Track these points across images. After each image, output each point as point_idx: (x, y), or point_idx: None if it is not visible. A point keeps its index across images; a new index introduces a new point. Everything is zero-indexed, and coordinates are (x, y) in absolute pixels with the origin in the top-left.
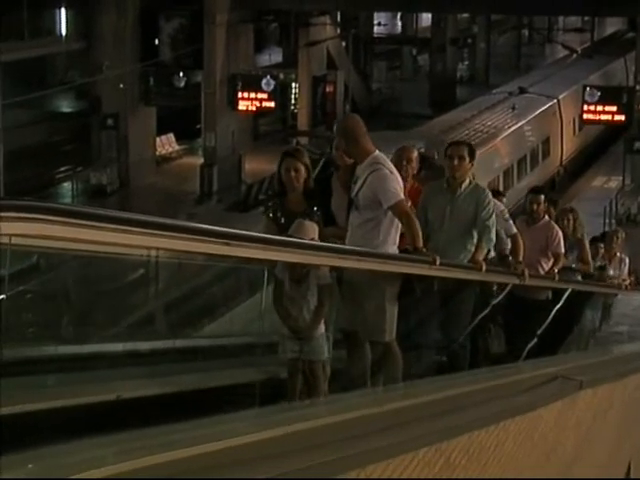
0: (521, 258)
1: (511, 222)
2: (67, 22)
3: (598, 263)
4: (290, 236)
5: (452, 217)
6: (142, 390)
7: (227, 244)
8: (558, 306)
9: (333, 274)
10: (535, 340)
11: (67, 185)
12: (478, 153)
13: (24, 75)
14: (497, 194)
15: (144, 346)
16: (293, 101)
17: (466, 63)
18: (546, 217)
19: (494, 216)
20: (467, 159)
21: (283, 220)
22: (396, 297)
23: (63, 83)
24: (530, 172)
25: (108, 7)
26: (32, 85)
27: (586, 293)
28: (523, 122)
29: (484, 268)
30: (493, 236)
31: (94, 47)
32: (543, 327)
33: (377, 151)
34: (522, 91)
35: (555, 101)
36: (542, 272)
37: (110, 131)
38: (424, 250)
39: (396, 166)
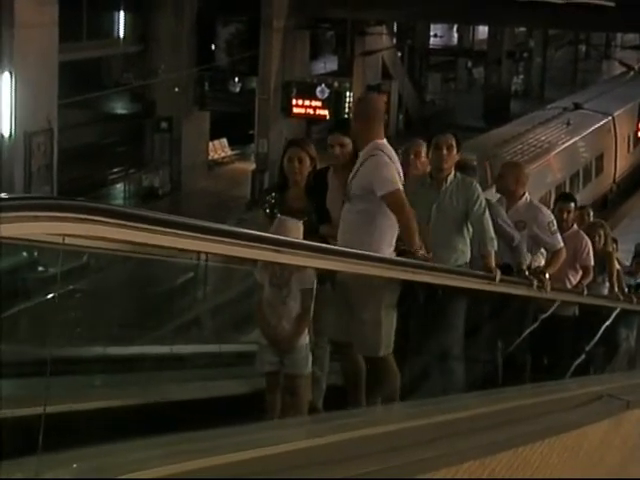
0: (551, 270)
1: (558, 236)
2: (125, 25)
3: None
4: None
5: (439, 214)
6: (189, 393)
7: (277, 251)
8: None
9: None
10: (562, 358)
11: (119, 186)
12: (531, 168)
13: (80, 76)
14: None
15: (189, 349)
16: (347, 109)
17: (521, 77)
18: (574, 226)
19: (487, 212)
20: (455, 149)
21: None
22: (394, 306)
23: (119, 85)
24: (583, 188)
25: (166, 11)
26: (88, 86)
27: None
28: (577, 138)
29: (498, 277)
30: (492, 232)
31: (150, 50)
32: (568, 344)
33: (384, 140)
34: (577, 107)
35: (610, 118)
36: (570, 286)
37: (164, 134)
38: (421, 252)
39: (405, 161)
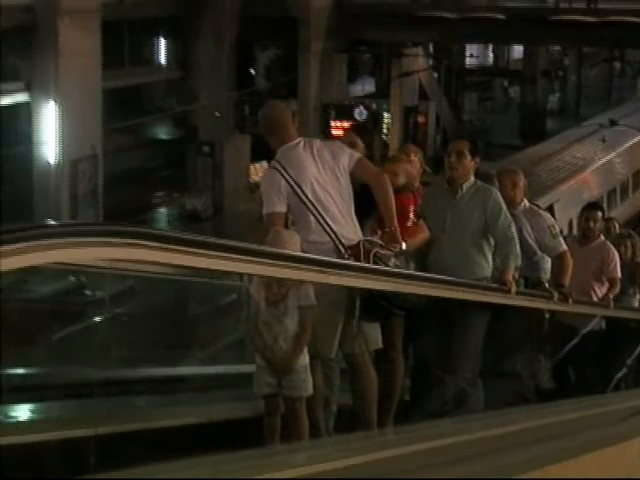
0: (566, 281)
1: (561, 240)
2: (166, 51)
3: None
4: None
5: (454, 224)
6: (232, 413)
7: (322, 272)
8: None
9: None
10: (590, 372)
11: (163, 210)
12: (568, 185)
13: (123, 102)
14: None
15: (233, 370)
16: (385, 130)
17: (557, 95)
18: (601, 237)
19: (513, 224)
20: (468, 156)
21: None
22: (345, 310)
23: (161, 110)
24: (620, 204)
25: (205, 37)
26: (131, 112)
27: None
28: (613, 154)
29: (514, 289)
30: (518, 249)
31: (191, 76)
32: (593, 358)
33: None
34: (613, 123)
35: None
36: (595, 299)
37: (206, 158)
38: (397, 234)
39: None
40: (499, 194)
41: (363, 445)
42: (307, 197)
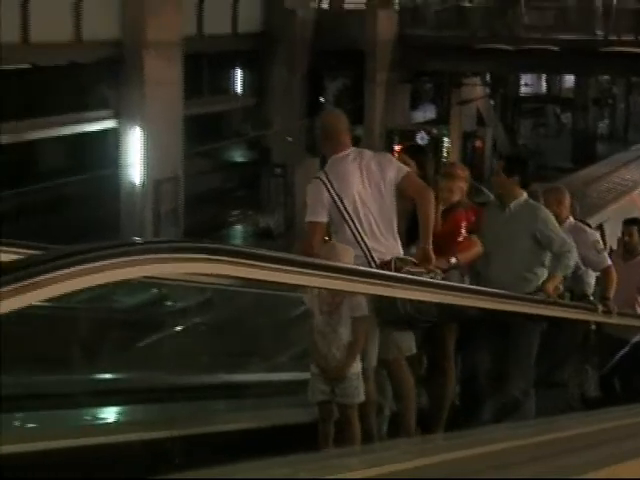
0: (610, 294)
1: (605, 255)
2: (242, 80)
3: None
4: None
5: (502, 240)
6: (296, 418)
7: (389, 286)
8: None
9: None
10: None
11: (238, 227)
12: (617, 205)
13: (203, 128)
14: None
15: (295, 377)
16: (445, 154)
17: (606, 121)
18: None
19: (567, 238)
20: (502, 175)
21: None
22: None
23: (237, 135)
24: None
25: (279, 68)
26: (210, 137)
27: None
28: None
29: (552, 298)
30: (572, 262)
31: (265, 103)
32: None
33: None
34: None
35: None
36: None
37: (278, 179)
38: (429, 252)
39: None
40: (547, 211)
41: (413, 450)
42: (346, 210)
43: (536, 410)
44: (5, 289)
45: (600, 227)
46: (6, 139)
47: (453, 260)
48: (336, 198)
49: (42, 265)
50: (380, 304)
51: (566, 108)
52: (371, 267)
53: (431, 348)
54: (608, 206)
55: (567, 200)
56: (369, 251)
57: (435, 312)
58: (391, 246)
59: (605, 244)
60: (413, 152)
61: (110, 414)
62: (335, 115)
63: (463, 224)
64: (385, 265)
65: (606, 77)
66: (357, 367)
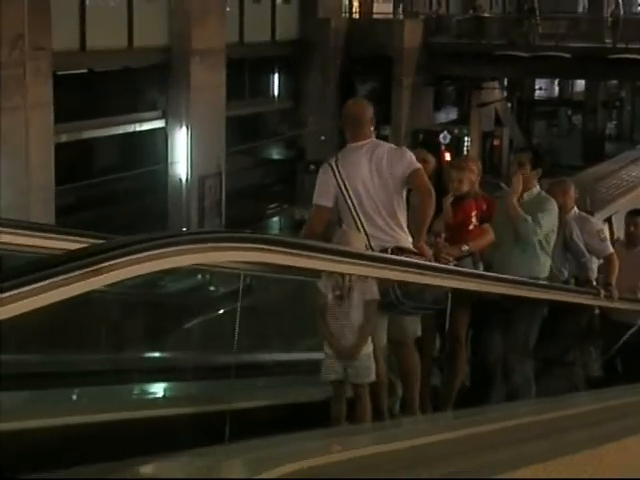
0: (612, 280)
1: (608, 243)
2: (279, 84)
3: None
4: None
5: (511, 230)
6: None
7: (421, 274)
8: None
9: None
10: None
11: (275, 220)
12: (624, 199)
13: (244, 128)
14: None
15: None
16: (465, 152)
17: (614, 122)
18: None
19: (539, 230)
20: (528, 166)
21: None
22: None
23: (275, 135)
24: None
25: (315, 73)
26: (250, 136)
27: None
28: None
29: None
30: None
31: (301, 105)
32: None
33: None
34: None
35: None
36: None
37: (312, 175)
38: (424, 246)
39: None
40: (555, 204)
41: (420, 428)
42: (350, 197)
43: (541, 389)
44: (71, 275)
45: (609, 220)
46: (65, 138)
47: (465, 248)
48: (342, 185)
49: (105, 253)
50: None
51: (577, 110)
52: None
53: (443, 331)
54: (616, 200)
55: (572, 191)
56: (368, 237)
57: (429, 299)
58: (395, 235)
59: (613, 235)
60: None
61: (158, 389)
62: (360, 104)
63: (473, 213)
64: (384, 252)
65: (614, 82)
66: (368, 348)
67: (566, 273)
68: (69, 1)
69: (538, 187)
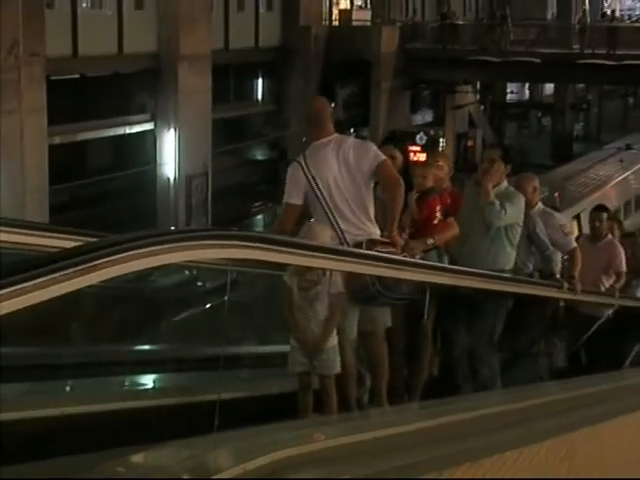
0: (575, 273)
1: (571, 237)
2: (263, 88)
3: None
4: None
5: (480, 221)
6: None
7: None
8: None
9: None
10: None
11: (259, 217)
12: (592, 197)
13: (229, 130)
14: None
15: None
16: (440, 152)
17: (582, 124)
18: (609, 236)
19: (499, 220)
20: (499, 162)
21: None
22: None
23: (259, 137)
24: (634, 213)
25: (296, 77)
26: (235, 138)
27: None
28: (629, 172)
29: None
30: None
31: (283, 108)
32: (603, 341)
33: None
34: (628, 147)
35: None
36: (604, 290)
37: None
38: (396, 236)
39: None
40: (523, 199)
41: (386, 419)
42: (322, 194)
43: (507, 380)
44: (68, 272)
45: (578, 217)
46: (59, 140)
47: (430, 241)
48: (312, 182)
49: (99, 251)
50: (352, 282)
51: (546, 112)
52: None
53: (409, 323)
54: (585, 198)
55: (537, 186)
56: (342, 233)
57: (406, 290)
58: (366, 229)
59: (582, 231)
60: (393, 140)
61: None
62: (319, 102)
63: (438, 208)
64: (358, 246)
65: (581, 85)
66: (334, 340)
67: (531, 266)
68: (62, 9)
69: (506, 182)
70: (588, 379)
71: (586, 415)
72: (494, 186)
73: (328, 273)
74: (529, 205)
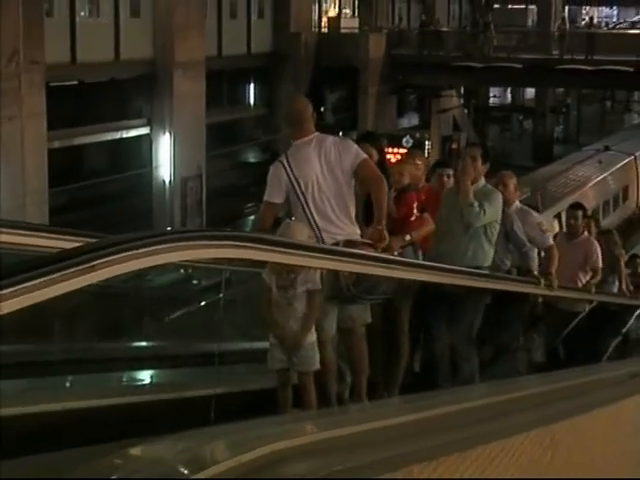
0: (552, 270)
1: (548, 235)
2: (254, 93)
3: None
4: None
5: (459, 219)
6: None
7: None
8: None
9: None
10: (580, 347)
11: (252, 218)
12: (572, 197)
13: (222, 133)
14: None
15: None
16: (426, 155)
17: (561, 127)
18: (585, 233)
19: (479, 219)
20: (480, 160)
21: None
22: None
23: (250, 140)
24: (613, 212)
25: (287, 83)
26: (228, 141)
27: (627, 306)
28: (607, 173)
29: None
30: (473, 218)
31: (274, 112)
32: (580, 334)
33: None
34: (607, 149)
35: (633, 157)
36: (580, 286)
37: None
38: (383, 232)
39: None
40: (500, 196)
41: (366, 414)
42: (302, 193)
43: (487, 374)
44: (67, 272)
45: (558, 215)
46: (58, 144)
47: (407, 238)
48: (294, 181)
49: (98, 251)
50: (328, 286)
51: (527, 116)
52: None
53: (387, 321)
54: (565, 198)
55: (514, 184)
56: (320, 233)
57: (381, 291)
58: (347, 229)
59: (561, 229)
60: (372, 140)
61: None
62: (301, 101)
63: (414, 205)
64: (335, 245)
65: (561, 89)
66: (312, 337)
67: (508, 263)
68: (61, 18)
69: (484, 180)
70: (567, 372)
71: (565, 408)
72: (473, 182)
73: (305, 271)
74: (507, 203)
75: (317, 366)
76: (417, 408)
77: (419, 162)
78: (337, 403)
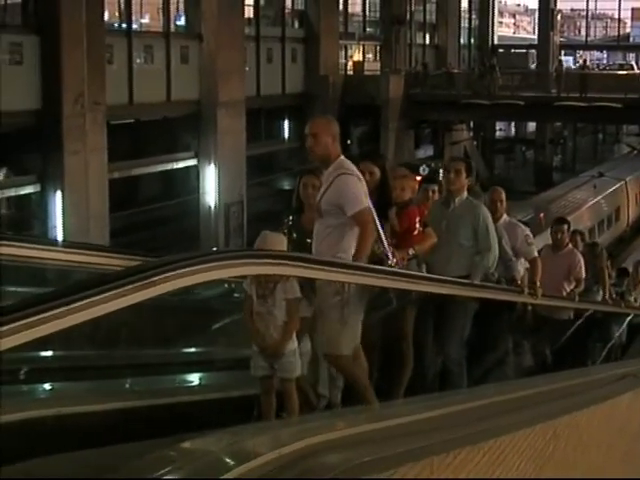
0: (537, 279)
1: (534, 247)
2: (289, 128)
3: (622, 289)
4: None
5: (448, 231)
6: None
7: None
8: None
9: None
10: (564, 352)
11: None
12: (570, 218)
13: (260, 164)
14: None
15: None
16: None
17: (559, 156)
18: (570, 246)
19: (493, 233)
20: (464, 174)
21: (295, 236)
22: (361, 310)
23: (285, 170)
24: (607, 231)
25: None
26: (265, 171)
27: (610, 313)
28: (601, 197)
29: (477, 282)
30: (489, 261)
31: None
32: (565, 341)
33: (342, 156)
34: (601, 175)
35: (623, 182)
36: (565, 295)
37: None
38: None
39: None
40: (485, 209)
41: (352, 419)
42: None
43: (477, 377)
44: (129, 287)
45: None
46: (117, 175)
47: (411, 252)
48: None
49: (157, 269)
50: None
51: (529, 146)
52: None
53: (389, 331)
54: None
55: (503, 199)
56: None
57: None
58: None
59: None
60: (373, 158)
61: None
62: (334, 122)
63: (417, 219)
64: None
65: (559, 123)
66: (293, 344)
67: (496, 274)
68: (120, 64)
69: (466, 193)
70: (567, 373)
71: (566, 405)
72: (456, 195)
73: (284, 280)
74: (495, 218)
75: (299, 372)
76: (433, 407)
77: (417, 176)
78: (329, 407)
